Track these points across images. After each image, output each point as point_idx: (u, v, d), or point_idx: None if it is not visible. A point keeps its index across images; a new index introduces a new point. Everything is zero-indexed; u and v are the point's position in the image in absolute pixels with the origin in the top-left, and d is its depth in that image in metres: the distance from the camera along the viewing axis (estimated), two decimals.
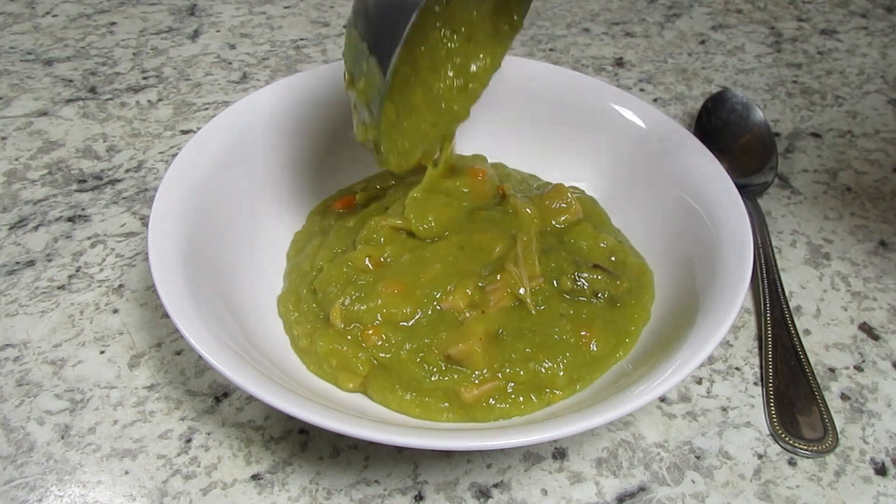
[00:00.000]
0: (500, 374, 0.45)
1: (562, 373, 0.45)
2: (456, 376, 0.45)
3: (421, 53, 0.46)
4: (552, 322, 0.47)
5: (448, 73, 0.49)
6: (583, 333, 0.47)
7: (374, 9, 0.41)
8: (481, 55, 0.50)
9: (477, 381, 0.44)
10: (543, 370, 0.45)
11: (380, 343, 0.46)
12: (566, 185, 0.59)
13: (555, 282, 0.49)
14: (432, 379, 0.45)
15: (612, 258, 0.52)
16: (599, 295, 0.49)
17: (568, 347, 0.46)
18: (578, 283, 0.49)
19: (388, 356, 0.46)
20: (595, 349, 0.47)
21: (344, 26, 0.88)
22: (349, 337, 0.46)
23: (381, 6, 0.40)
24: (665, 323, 0.49)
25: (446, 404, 0.44)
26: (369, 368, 0.46)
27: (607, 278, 0.49)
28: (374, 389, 0.45)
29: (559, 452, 0.46)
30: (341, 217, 0.56)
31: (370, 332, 0.46)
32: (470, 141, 0.62)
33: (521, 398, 0.45)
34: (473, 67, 0.50)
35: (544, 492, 0.44)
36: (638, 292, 0.51)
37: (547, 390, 0.45)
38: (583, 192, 0.59)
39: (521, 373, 0.45)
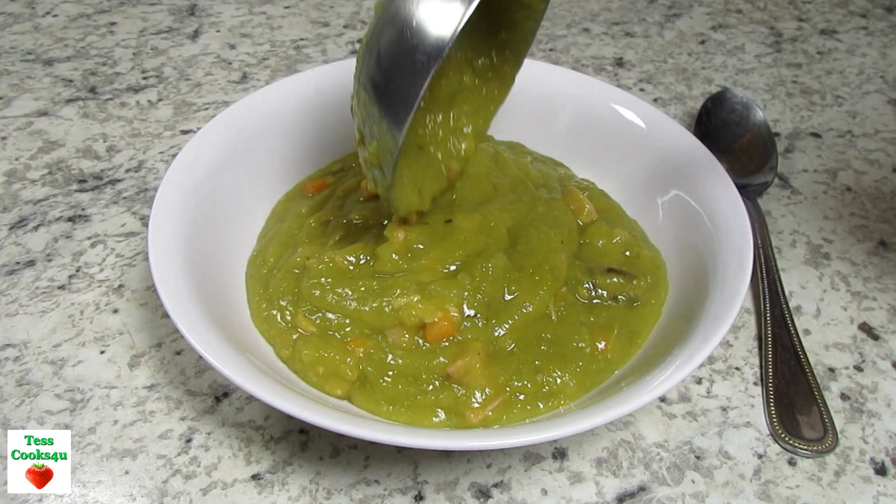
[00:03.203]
0: (507, 389, 0.43)
1: (573, 382, 0.44)
2: (461, 393, 0.43)
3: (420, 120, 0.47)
4: (573, 330, 0.46)
5: (445, 137, 0.49)
6: (599, 345, 0.46)
7: (385, 72, 0.39)
8: (470, 121, 0.50)
9: (480, 403, 0.43)
10: (553, 380, 0.44)
11: (362, 354, 0.44)
12: (578, 176, 0.59)
13: (575, 293, 0.48)
14: (429, 398, 0.43)
15: (627, 253, 0.51)
16: (619, 297, 0.48)
17: (582, 357, 0.45)
18: (596, 291, 0.48)
19: (373, 370, 0.44)
20: (609, 357, 0.46)
21: (345, 25, 0.88)
22: (334, 343, 0.45)
23: (391, 69, 0.39)
24: (666, 323, 0.49)
25: (443, 417, 0.43)
26: (357, 374, 0.44)
27: (622, 280, 0.49)
28: (358, 402, 0.44)
29: (559, 452, 0.46)
30: (303, 200, 0.55)
31: (352, 346, 0.45)
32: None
33: (529, 407, 0.43)
34: (466, 130, 0.50)
35: (544, 492, 0.44)
36: (655, 287, 0.50)
37: (554, 400, 0.44)
38: (593, 184, 0.59)
39: (529, 385, 0.44)
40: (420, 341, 0.44)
